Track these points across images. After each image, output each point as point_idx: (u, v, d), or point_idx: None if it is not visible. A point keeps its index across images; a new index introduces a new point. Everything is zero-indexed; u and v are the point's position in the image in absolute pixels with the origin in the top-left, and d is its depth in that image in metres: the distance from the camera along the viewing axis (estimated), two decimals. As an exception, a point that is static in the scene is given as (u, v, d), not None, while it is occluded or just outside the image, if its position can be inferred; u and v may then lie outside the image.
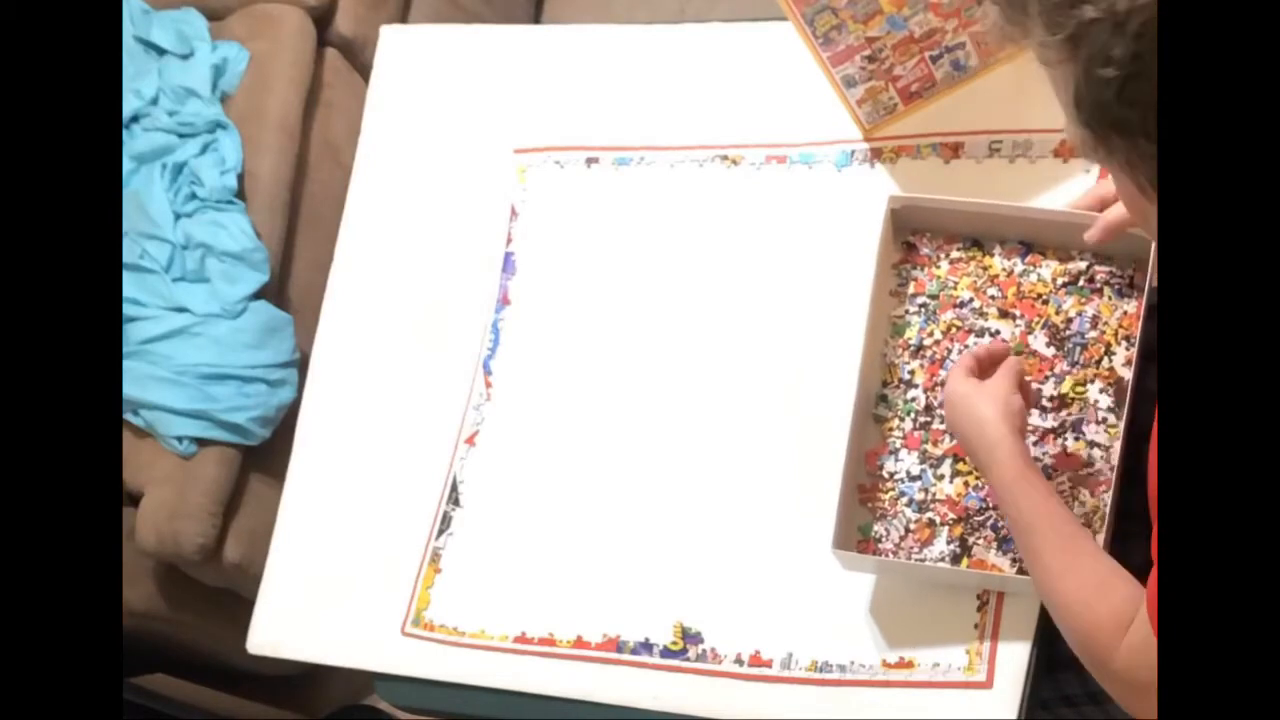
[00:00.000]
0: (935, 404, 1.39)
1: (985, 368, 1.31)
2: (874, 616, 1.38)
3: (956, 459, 1.37)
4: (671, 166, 1.64)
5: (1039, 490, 1.23)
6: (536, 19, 2.93)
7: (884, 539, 1.38)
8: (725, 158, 1.62)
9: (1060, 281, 1.40)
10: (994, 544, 1.34)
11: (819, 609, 1.40)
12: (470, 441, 1.60)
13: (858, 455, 1.39)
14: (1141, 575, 1.16)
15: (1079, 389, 1.36)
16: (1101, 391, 1.35)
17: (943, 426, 1.38)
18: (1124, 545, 1.27)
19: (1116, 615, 1.13)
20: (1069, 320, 1.38)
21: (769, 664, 1.40)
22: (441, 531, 1.58)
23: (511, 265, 1.67)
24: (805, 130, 1.60)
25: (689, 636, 1.44)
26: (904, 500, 1.38)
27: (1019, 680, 1.31)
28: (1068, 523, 1.22)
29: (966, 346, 1.40)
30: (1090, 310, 1.38)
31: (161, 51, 2.37)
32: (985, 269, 1.43)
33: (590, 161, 1.68)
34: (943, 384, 1.39)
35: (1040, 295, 1.40)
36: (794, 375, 1.50)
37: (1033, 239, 1.43)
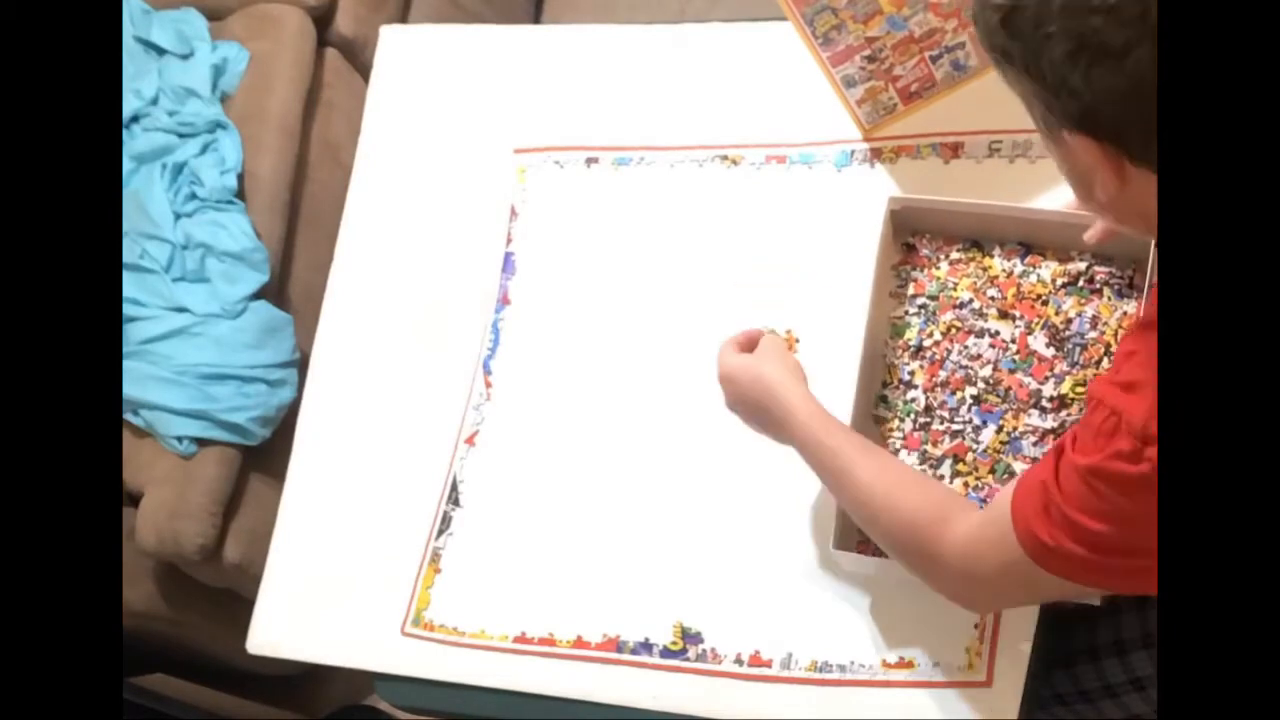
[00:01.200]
0: (935, 405, 1.39)
1: (748, 348, 1.37)
2: (874, 616, 1.38)
3: (956, 459, 1.37)
4: (671, 166, 1.64)
5: (833, 421, 1.27)
6: (536, 19, 2.93)
7: None
8: (725, 158, 1.62)
9: (1060, 282, 1.40)
10: None
11: (819, 609, 1.40)
12: (470, 441, 1.60)
13: None
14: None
15: (1079, 389, 1.36)
16: (1101, 391, 1.35)
17: (943, 427, 1.38)
18: None
19: (941, 509, 1.17)
20: (1069, 321, 1.38)
21: (769, 664, 1.40)
22: (441, 531, 1.58)
23: (511, 265, 1.67)
24: (805, 130, 1.60)
25: (689, 636, 1.44)
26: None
27: (1019, 679, 1.31)
28: (867, 443, 1.27)
29: (966, 347, 1.40)
30: (1090, 311, 1.38)
31: (161, 51, 2.37)
32: (985, 270, 1.43)
33: (590, 161, 1.68)
34: (943, 384, 1.39)
35: (1040, 296, 1.40)
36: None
37: (1032, 239, 1.43)
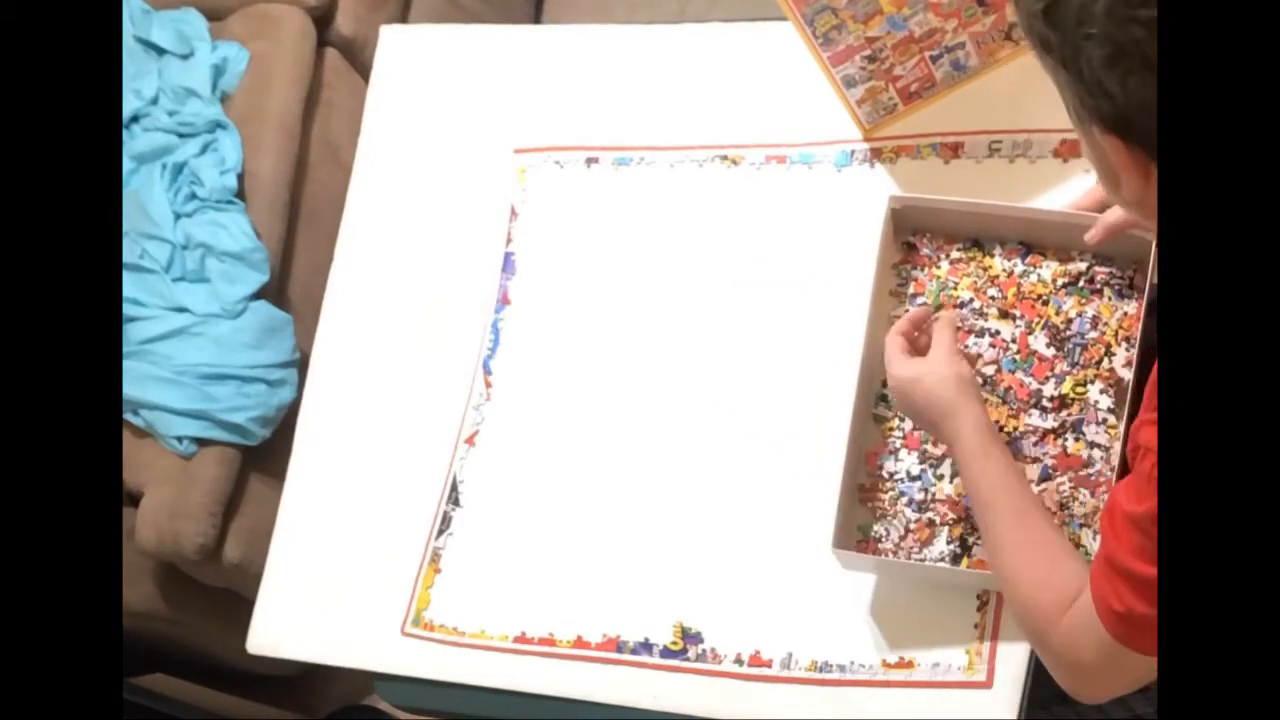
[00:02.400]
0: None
1: (916, 337, 1.34)
2: (874, 616, 1.38)
3: (956, 459, 1.38)
4: (671, 166, 1.64)
5: (1000, 463, 1.24)
6: (536, 19, 2.93)
7: (884, 539, 1.38)
8: (725, 158, 1.62)
9: (1060, 282, 1.40)
10: None
11: (819, 609, 1.40)
12: (470, 441, 1.60)
13: (857, 455, 1.39)
14: None
15: (1079, 389, 1.36)
16: (1102, 392, 1.35)
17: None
18: None
19: (1060, 594, 1.14)
20: (1069, 321, 1.38)
21: (769, 664, 1.40)
22: (441, 531, 1.58)
23: (511, 265, 1.67)
24: (805, 130, 1.60)
25: (689, 636, 1.44)
26: (904, 500, 1.38)
27: (1019, 680, 1.31)
28: (1025, 498, 1.23)
29: (966, 347, 1.40)
30: (1090, 311, 1.38)
31: (161, 51, 2.37)
32: (985, 269, 1.43)
33: (590, 161, 1.68)
34: None
35: (1040, 296, 1.40)
36: (794, 375, 1.50)
37: (1033, 239, 1.43)
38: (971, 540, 1.34)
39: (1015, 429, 1.36)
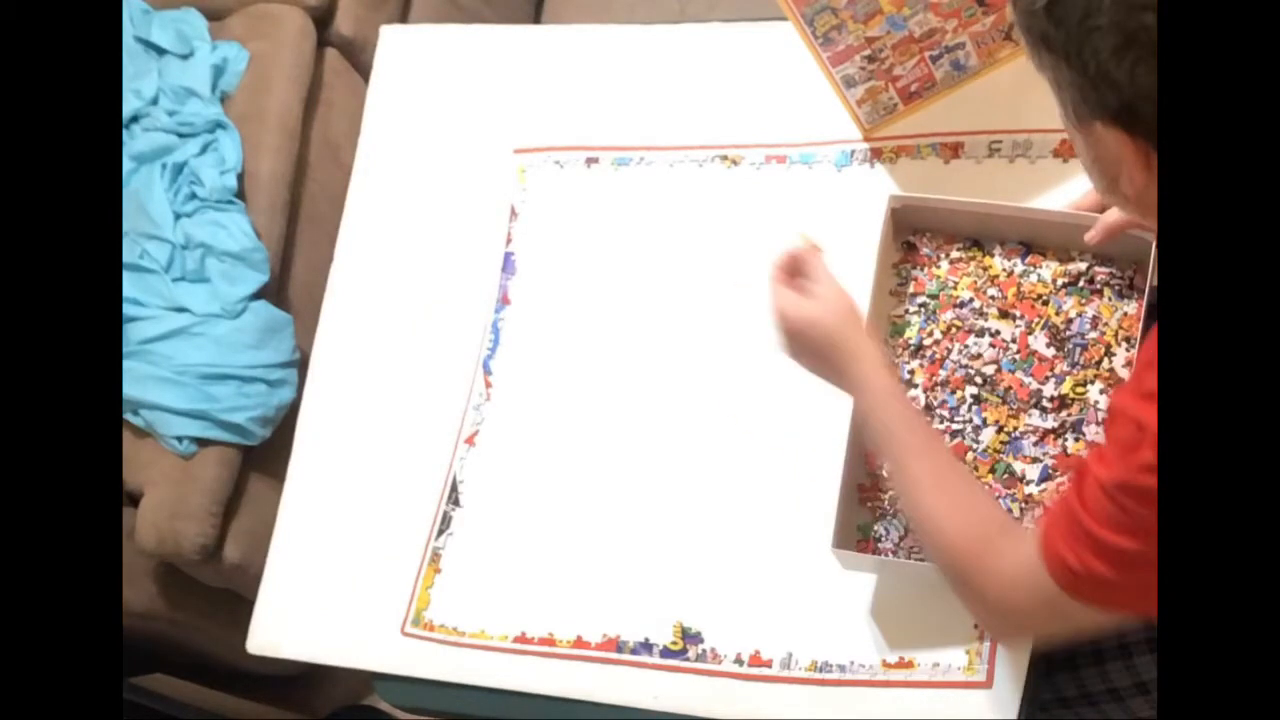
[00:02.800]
0: (935, 404, 1.39)
1: (794, 275, 1.31)
2: (874, 616, 1.38)
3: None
4: (671, 166, 1.64)
5: (908, 401, 1.25)
6: (536, 19, 2.93)
7: (884, 539, 1.38)
8: (725, 158, 1.62)
9: (1060, 282, 1.40)
10: None
11: (819, 609, 1.40)
12: (470, 441, 1.60)
13: (858, 455, 1.39)
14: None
15: (1079, 389, 1.36)
16: (1102, 392, 1.35)
17: (943, 427, 1.38)
18: None
19: (983, 531, 1.15)
20: (1069, 321, 1.38)
21: (769, 664, 1.40)
22: (441, 531, 1.58)
23: (511, 265, 1.67)
24: (805, 130, 1.60)
25: (689, 636, 1.44)
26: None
27: (1019, 680, 1.31)
28: (937, 435, 1.25)
29: (966, 347, 1.40)
30: (1090, 311, 1.38)
31: (161, 51, 2.37)
32: (985, 269, 1.43)
33: (590, 162, 1.68)
34: (943, 384, 1.39)
35: (1040, 296, 1.40)
36: (794, 375, 1.50)
37: (1033, 239, 1.43)
38: None
39: (1015, 429, 1.36)
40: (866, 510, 1.39)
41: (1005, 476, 1.35)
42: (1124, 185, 1.00)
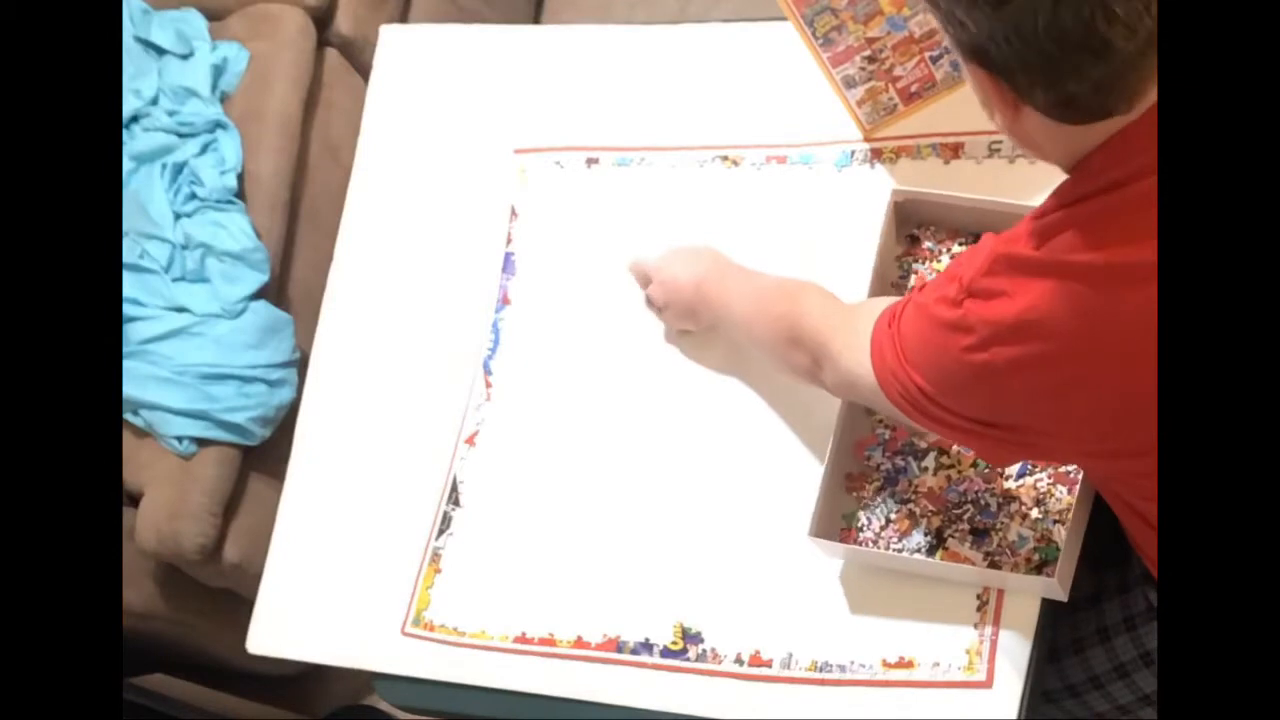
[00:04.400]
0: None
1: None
2: (874, 616, 1.38)
3: (941, 452, 1.38)
4: (671, 166, 1.64)
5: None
6: (536, 19, 2.93)
7: (865, 528, 1.38)
8: (725, 158, 1.62)
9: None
10: (967, 537, 1.35)
11: (819, 609, 1.40)
12: (470, 441, 1.60)
13: (846, 444, 1.40)
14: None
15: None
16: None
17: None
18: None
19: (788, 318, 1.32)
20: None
21: (769, 664, 1.40)
22: (441, 531, 1.58)
23: (511, 265, 1.67)
24: (805, 130, 1.59)
25: (689, 636, 1.44)
26: (886, 491, 1.39)
27: (1019, 679, 1.31)
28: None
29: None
30: (1089, 310, 1.38)
31: (161, 51, 2.37)
32: (986, 267, 1.43)
33: (590, 162, 1.68)
34: None
35: (1040, 294, 1.40)
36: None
37: (1033, 238, 1.43)
38: (946, 533, 1.35)
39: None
40: (852, 499, 1.40)
41: (986, 469, 1.36)
42: (997, 120, 1.06)
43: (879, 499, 1.39)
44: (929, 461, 1.38)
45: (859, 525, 1.39)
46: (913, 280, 1.45)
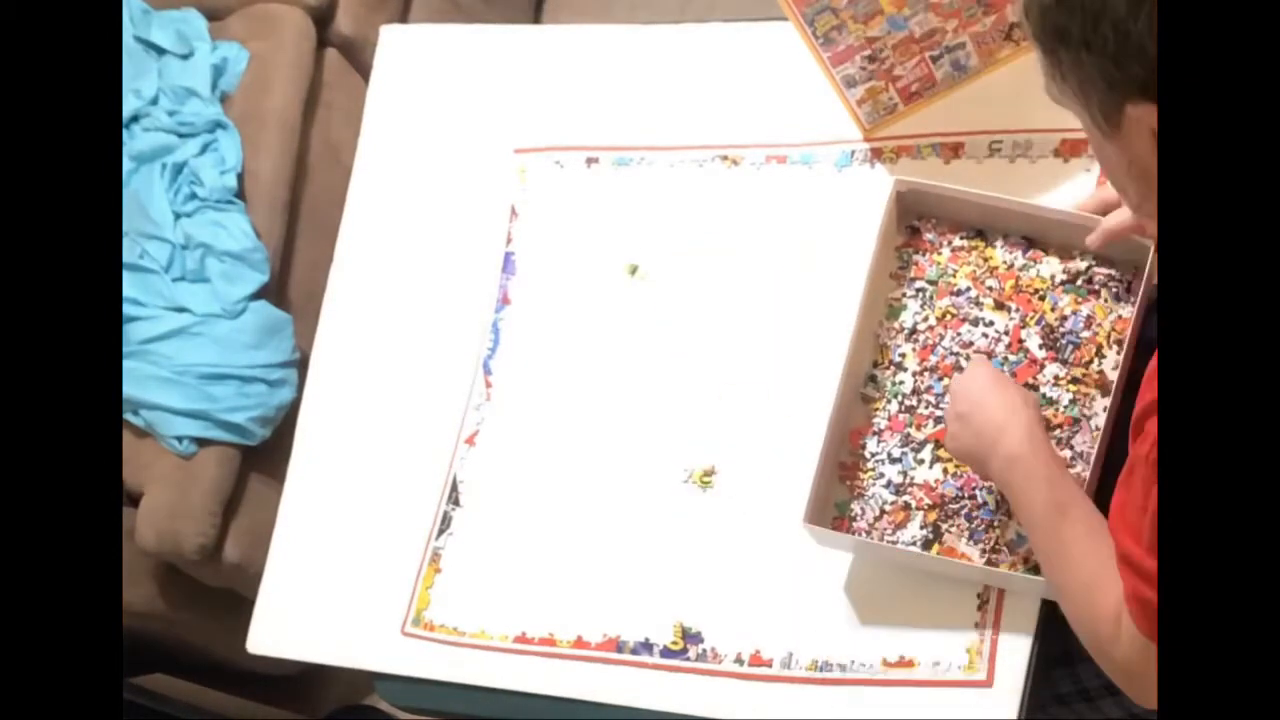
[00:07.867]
0: (923, 388, 1.40)
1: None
2: (874, 615, 1.38)
3: (938, 444, 1.38)
4: (671, 166, 1.64)
5: (1068, 475, 1.26)
6: (536, 19, 2.93)
7: (859, 518, 1.38)
8: (725, 158, 1.62)
9: (1059, 279, 1.40)
10: (965, 533, 1.34)
11: (819, 608, 1.40)
12: (470, 441, 1.60)
13: (840, 432, 1.40)
14: None
15: (1071, 386, 1.36)
16: (1094, 401, 1.35)
17: (927, 412, 1.39)
18: None
19: (1115, 607, 1.13)
20: (1063, 318, 1.38)
21: (769, 664, 1.40)
22: (441, 531, 1.58)
23: (511, 265, 1.67)
24: (805, 130, 1.60)
25: (689, 636, 1.44)
26: (882, 482, 1.39)
27: (1019, 679, 1.31)
28: (1092, 513, 1.21)
29: (959, 334, 1.40)
30: (1085, 310, 1.38)
31: (161, 51, 2.37)
32: (986, 260, 1.43)
33: (590, 161, 1.68)
34: (931, 369, 1.40)
35: (1038, 291, 1.40)
36: (795, 375, 1.50)
37: (1036, 235, 1.43)
38: (944, 528, 1.35)
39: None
40: (845, 488, 1.40)
41: None
42: (1131, 195, 1.01)
43: (873, 489, 1.39)
44: (925, 454, 1.38)
45: (852, 515, 1.39)
46: (911, 271, 1.45)
